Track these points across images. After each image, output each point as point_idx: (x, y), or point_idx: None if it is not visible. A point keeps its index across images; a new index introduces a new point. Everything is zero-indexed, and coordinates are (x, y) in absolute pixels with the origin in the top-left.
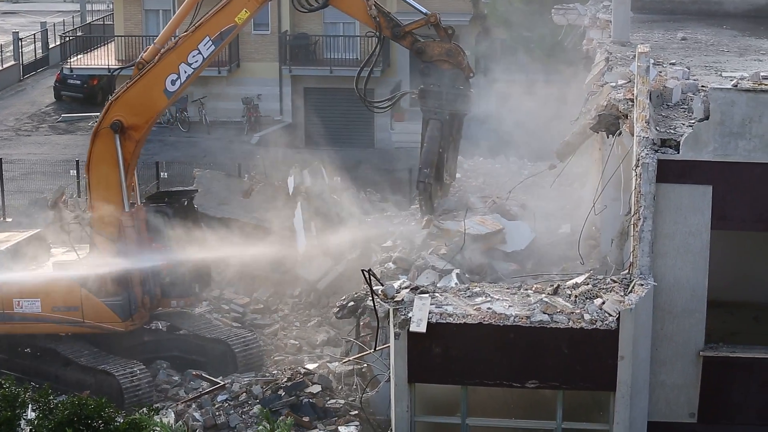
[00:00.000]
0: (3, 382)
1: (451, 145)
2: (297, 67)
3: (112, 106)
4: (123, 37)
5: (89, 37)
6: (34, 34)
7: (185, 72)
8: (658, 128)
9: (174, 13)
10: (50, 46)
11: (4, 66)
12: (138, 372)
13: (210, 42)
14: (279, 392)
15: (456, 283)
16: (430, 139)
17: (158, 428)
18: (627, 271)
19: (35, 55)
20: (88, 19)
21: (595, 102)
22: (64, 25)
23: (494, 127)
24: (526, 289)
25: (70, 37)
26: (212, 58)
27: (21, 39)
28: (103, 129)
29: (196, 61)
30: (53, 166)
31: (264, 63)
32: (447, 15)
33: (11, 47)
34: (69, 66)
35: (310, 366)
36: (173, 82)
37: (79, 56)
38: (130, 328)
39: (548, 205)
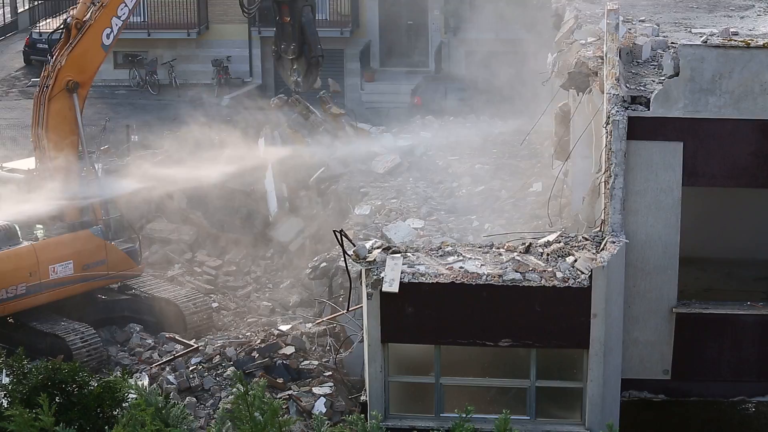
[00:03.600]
0: None
1: None
2: (266, 28)
3: (62, 67)
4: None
5: (58, 1)
6: None
7: (116, 25)
8: (628, 85)
9: None
10: (19, 11)
11: None
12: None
13: None
14: (253, 354)
15: None
16: (310, 22)
17: (132, 392)
18: (599, 228)
19: (4, 20)
20: None
21: (564, 60)
22: None
23: (464, 86)
24: (498, 248)
25: (40, 2)
26: (135, 9)
27: None
28: (59, 91)
29: (123, 14)
30: (23, 131)
31: (233, 25)
32: None
33: None
34: (38, 30)
35: (284, 327)
36: (108, 36)
37: (48, 20)
38: (142, 270)
39: (520, 164)
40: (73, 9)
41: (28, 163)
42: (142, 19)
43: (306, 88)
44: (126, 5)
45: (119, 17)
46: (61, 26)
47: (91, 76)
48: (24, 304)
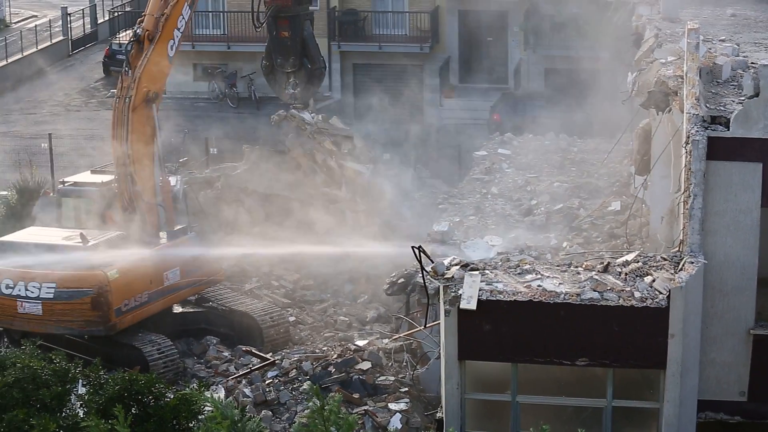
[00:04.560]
0: (54, 357)
1: None
2: (346, 43)
3: (140, 78)
4: None
5: (138, 13)
6: (83, 9)
7: (177, 36)
8: (707, 105)
9: None
10: (99, 22)
11: (53, 41)
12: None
13: (187, 6)
14: (329, 369)
15: None
16: (311, 35)
17: (208, 404)
18: (677, 248)
19: (84, 31)
20: None
21: (644, 79)
22: (112, 0)
23: (543, 104)
24: (576, 267)
25: (119, 13)
26: (189, 21)
27: (69, 14)
28: (140, 102)
29: (181, 26)
30: (102, 142)
31: None
32: None
33: (60, 22)
34: (118, 41)
35: (360, 342)
36: (171, 48)
37: (127, 32)
38: (223, 277)
39: (598, 183)
40: (141, 21)
41: (85, 176)
42: (222, 32)
43: (305, 101)
44: (183, 17)
45: (179, 29)
46: (133, 38)
47: (163, 87)
48: (145, 312)
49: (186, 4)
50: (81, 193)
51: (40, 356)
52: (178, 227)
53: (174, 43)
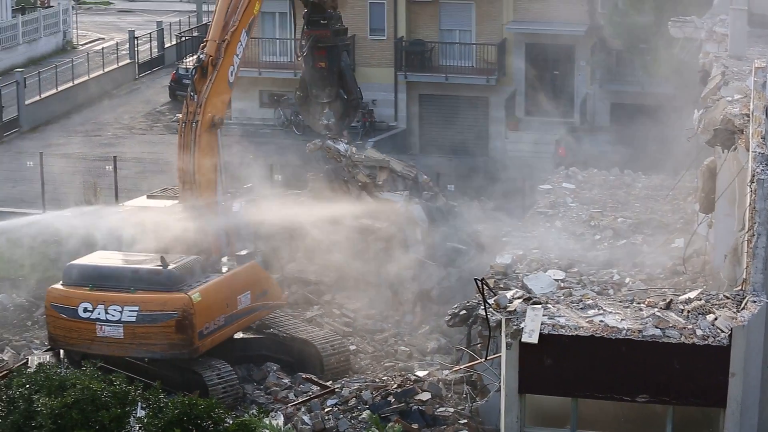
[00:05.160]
0: (114, 379)
1: None
2: (412, 73)
3: (205, 104)
4: None
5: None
6: (150, 33)
7: (236, 62)
8: None
9: (291, 15)
10: (166, 46)
11: (120, 64)
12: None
13: (245, 33)
14: (389, 398)
15: None
16: (348, 65)
17: (267, 430)
18: (740, 287)
19: (151, 54)
20: (204, 20)
21: (710, 116)
22: (180, 25)
23: (608, 138)
24: (639, 303)
25: (186, 37)
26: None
27: (137, 38)
28: (206, 127)
29: (240, 52)
30: (167, 165)
31: (380, 68)
32: (563, 25)
33: (127, 46)
34: (184, 66)
35: (421, 373)
36: (231, 73)
37: (194, 56)
38: (286, 302)
39: (662, 219)
40: (203, 46)
41: (142, 201)
42: (289, 59)
43: (340, 132)
44: (241, 43)
45: (237, 54)
46: (196, 63)
47: (224, 112)
48: (222, 336)
49: (243, 30)
50: (139, 218)
51: (100, 378)
52: (245, 252)
53: (233, 69)
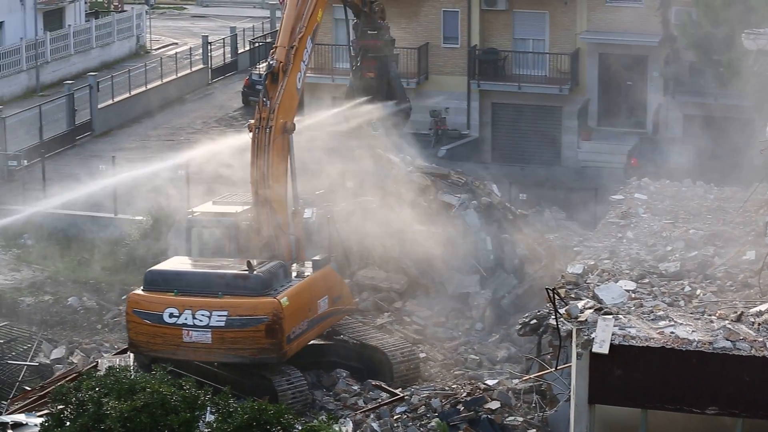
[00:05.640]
0: (183, 383)
1: None
2: (485, 81)
3: (278, 109)
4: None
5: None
6: (224, 38)
7: (303, 68)
8: None
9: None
10: (239, 51)
11: (193, 69)
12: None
13: (310, 40)
14: (458, 407)
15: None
16: (397, 75)
17: None
18: None
19: (224, 60)
20: (277, 26)
21: None
22: (253, 30)
23: (681, 149)
24: (710, 315)
25: (259, 43)
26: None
27: (210, 43)
28: (279, 133)
29: (306, 58)
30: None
31: (452, 77)
32: (636, 35)
33: (200, 51)
34: (257, 71)
35: (490, 382)
36: (299, 80)
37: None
38: (357, 307)
39: (734, 231)
40: (273, 52)
41: (208, 207)
42: None
43: (390, 140)
44: (307, 49)
45: (304, 61)
46: (267, 70)
47: (294, 118)
48: (305, 341)
49: (309, 37)
50: (209, 224)
51: (169, 382)
52: (319, 257)
53: (301, 75)
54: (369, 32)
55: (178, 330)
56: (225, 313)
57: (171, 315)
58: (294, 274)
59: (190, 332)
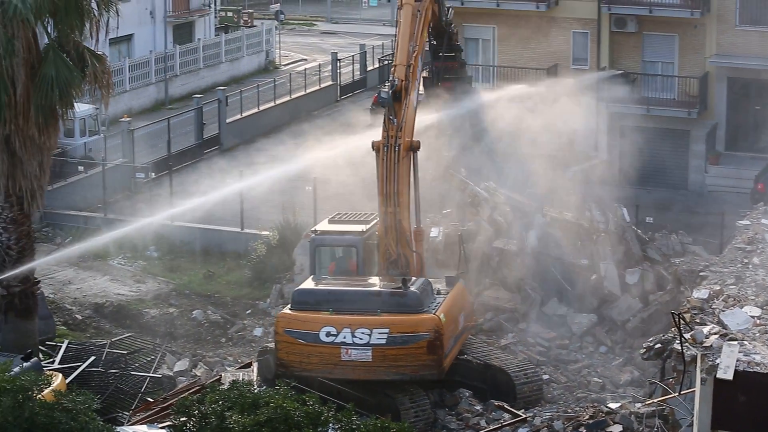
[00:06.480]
0: (307, 399)
1: None
2: (614, 104)
3: (404, 128)
4: None
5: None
6: (353, 55)
7: (417, 87)
8: None
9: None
10: (368, 69)
11: (322, 85)
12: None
13: (421, 59)
14: (580, 429)
15: None
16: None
17: None
18: None
19: (353, 77)
20: None
21: None
22: (382, 48)
23: None
24: None
25: (388, 61)
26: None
27: (340, 60)
28: (406, 151)
29: (419, 75)
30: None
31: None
32: (766, 60)
33: (329, 67)
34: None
35: (613, 405)
36: (416, 98)
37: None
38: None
39: None
40: (393, 71)
41: (324, 225)
42: (491, 87)
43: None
44: (419, 68)
45: (417, 80)
46: (390, 88)
47: (413, 135)
48: (452, 357)
49: (420, 55)
50: (335, 242)
51: (293, 397)
52: (453, 274)
53: (416, 93)
54: (447, 54)
55: (336, 349)
56: (386, 330)
57: (328, 334)
58: (434, 290)
59: (349, 351)
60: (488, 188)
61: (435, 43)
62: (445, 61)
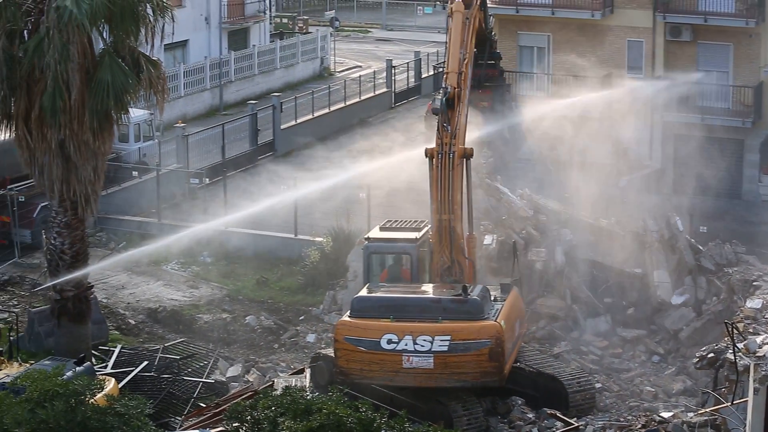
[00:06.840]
0: (360, 406)
1: None
2: (668, 113)
3: (458, 135)
4: None
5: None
6: (408, 63)
7: (466, 96)
8: None
9: (549, 50)
10: (423, 76)
11: (377, 92)
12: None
13: (470, 67)
14: None
15: None
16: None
17: None
18: None
19: (407, 84)
20: None
21: None
22: (437, 55)
23: None
24: None
25: (443, 68)
26: None
27: (394, 67)
28: (460, 158)
29: (468, 83)
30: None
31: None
32: None
33: (384, 74)
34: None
35: (665, 414)
36: (464, 104)
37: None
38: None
39: None
40: (446, 78)
41: (375, 232)
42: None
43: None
44: (469, 75)
45: (468, 87)
46: (443, 96)
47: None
48: (511, 363)
49: (470, 63)
50: (388, 249)
51: (346, 404)
52: (508, 280)
53: (467, 100)
54: (487, 62)
55: (398, 356)
56: (448, 337)
57: (389, 341)
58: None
59: (411, 358)
60: (524, 195)
61: (476, 50)
62: (486, 69)
